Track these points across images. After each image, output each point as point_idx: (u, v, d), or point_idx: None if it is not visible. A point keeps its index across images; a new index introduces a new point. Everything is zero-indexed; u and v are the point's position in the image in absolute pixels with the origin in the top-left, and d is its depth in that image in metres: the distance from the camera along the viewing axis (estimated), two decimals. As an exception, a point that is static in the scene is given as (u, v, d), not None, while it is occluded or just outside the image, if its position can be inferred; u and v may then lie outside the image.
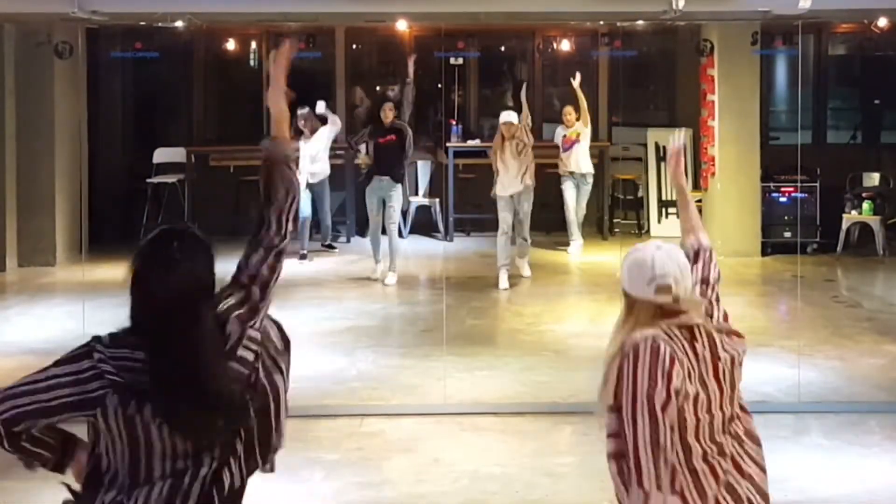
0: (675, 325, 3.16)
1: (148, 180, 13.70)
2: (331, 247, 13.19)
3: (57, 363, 2.84)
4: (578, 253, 12.97)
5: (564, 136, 13.11)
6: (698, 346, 3.15)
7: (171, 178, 13.75)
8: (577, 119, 13.10)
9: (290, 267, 12.24)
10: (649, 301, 3.16)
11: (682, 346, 3.13)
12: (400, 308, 10.68)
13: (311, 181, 12.79)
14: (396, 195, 11.60)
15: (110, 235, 13.30)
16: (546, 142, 14.83)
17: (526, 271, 11.68)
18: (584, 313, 10.53)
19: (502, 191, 11.44)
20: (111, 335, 2.87)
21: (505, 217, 11.47)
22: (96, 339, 2.86)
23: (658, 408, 3.04)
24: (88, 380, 2.79)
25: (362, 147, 12.26)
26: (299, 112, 12.62)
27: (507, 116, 11.55)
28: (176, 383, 2.79)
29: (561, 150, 13.11)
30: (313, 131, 12.82)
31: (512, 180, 11.41)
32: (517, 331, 9.75)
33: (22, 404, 2.79)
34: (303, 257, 12.92)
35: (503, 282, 11.23)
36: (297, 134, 12.77)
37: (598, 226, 13.67)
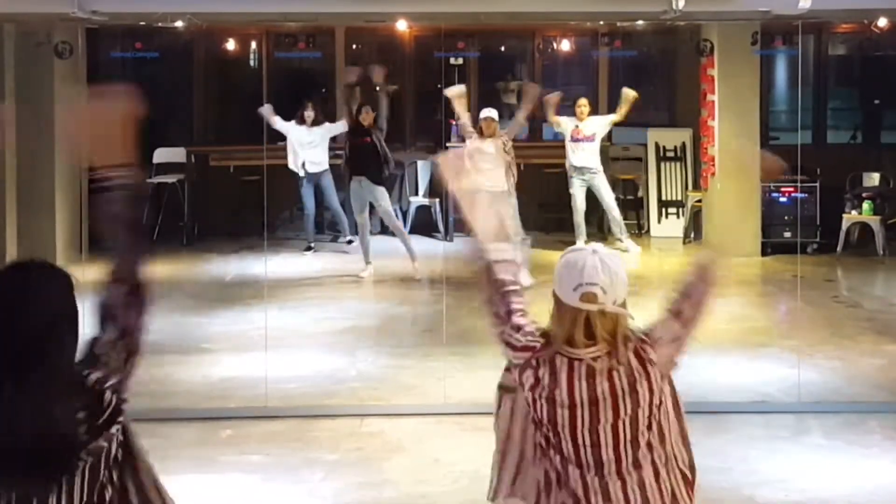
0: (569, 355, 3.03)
1: (147, 180, 13.68)
2: (350, 241, 13.09)
3: None
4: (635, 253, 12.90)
5: (576, 126, 13.04)
6: (576, 379, 3.01)
7: (170, 179, 13.75)
8: (591, 113, 13.06)
9: (291, 266, 12.24)
10: (575, 308, 3.02)
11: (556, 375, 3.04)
12: (400, 308, 10.67)
13: (309, 170, 12.85)
14: (382, 196, 11.71)
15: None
16: (546, 142, 14.84)
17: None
18: (584, 313, 10.51)
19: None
20: None
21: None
22: None
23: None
24: None
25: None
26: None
27: (488, 112, 11.35)
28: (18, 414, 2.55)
29: (568, 139, 13.01)
30: (314, 122, 12.89)
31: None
32: (517, 331, 9.73)
33: None
34: (308, 248, 12.95)
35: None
36: (300, 122, 12.87)
37: (599, 225, 13.66)
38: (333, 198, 13.05)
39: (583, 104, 13.11)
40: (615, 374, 3.00)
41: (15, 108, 12.05)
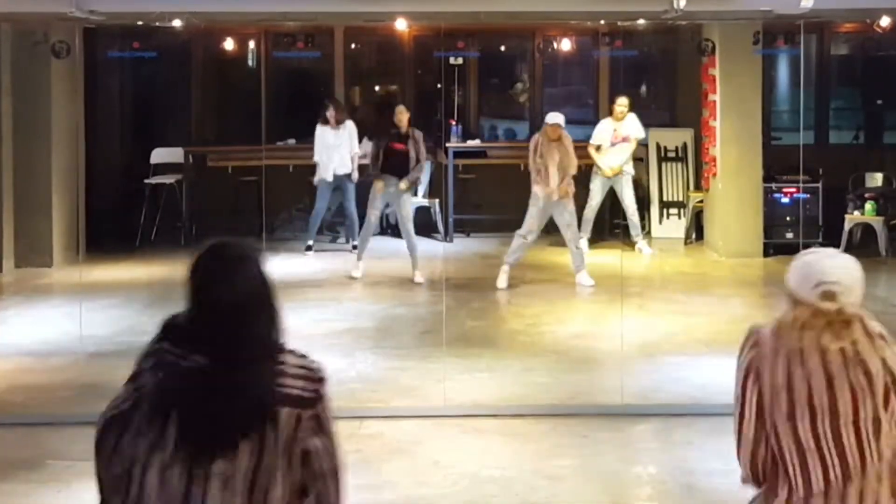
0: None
1: (146, 181, 13.65)
2: (356, 247, 13.08)
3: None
4: (647, 252, 12.88)
5: (615, 130, 12.93)
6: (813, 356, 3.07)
7: (168, 179, 13.70)
8: (630, 111, 12.96)
9: (292, 265, 12.18)
10: (812, 305, 3.10)
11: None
12: (400, 309, 10.62)
13: (337, 172, 12.72)
14: (408, 201, 11.56)
15: (108, 236, 13.26)
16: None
17: (587, 280, 11.20)
18: (585, 314, 10.47)
19: (541, 191, 11.02)
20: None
21: (531, 222, 11.08)
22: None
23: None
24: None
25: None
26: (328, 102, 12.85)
27: (555, 118, 11.05)
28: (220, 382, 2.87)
29: (608, 145, 12.91)
30: (339, 122, 12.76)
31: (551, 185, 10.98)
32: (517, 332, 9.69)
33: None
34: (308, 248, 12.87)
35: (502, 281, 11.14)
36: (324, 122, 12.74)
37: (601, 227, 13.61)
38: (352, 202, 12.89)
39: (622, 104, 12.96)
40: (851, 358, 3.08)
41: (12, 107, 12.03)
